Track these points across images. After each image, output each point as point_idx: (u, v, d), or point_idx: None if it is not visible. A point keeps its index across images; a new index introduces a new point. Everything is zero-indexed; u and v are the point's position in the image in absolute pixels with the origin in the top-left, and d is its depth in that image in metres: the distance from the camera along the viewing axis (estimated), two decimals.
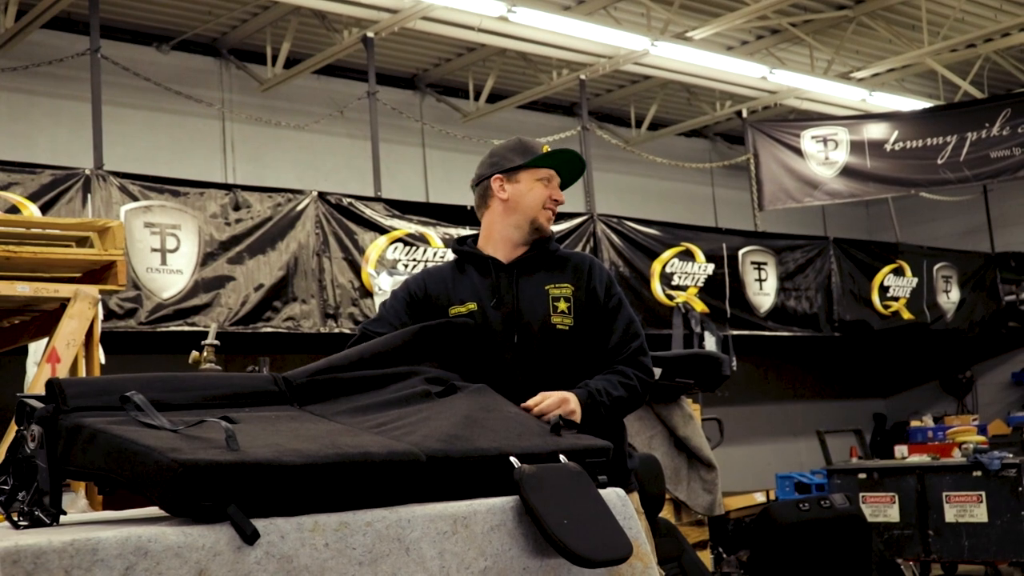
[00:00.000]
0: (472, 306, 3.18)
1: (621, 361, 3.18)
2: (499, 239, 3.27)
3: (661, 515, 5.39)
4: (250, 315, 8.26)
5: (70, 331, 4.90)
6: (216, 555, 1.90)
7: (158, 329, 7.78)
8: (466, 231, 8.42)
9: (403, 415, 2.56)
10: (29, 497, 2.14)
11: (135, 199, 7.90)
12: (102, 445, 2.07)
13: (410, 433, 2.42)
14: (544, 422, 2.73)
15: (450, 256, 3.46)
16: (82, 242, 5.29)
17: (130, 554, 1.82)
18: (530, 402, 2.86)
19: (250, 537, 1.92)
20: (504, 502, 2.32)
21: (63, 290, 4.93)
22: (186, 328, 7.87)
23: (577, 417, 2.91)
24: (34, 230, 5.09)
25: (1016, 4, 11.82)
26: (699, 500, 6.67)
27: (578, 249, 9.74)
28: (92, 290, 5.01)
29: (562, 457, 2.48)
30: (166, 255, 7.96)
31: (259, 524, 1.94)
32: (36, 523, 2.10)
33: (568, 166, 3.34)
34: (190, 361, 5.01)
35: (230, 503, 1.94)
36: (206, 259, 8.14)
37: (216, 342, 5.10)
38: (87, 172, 7.72)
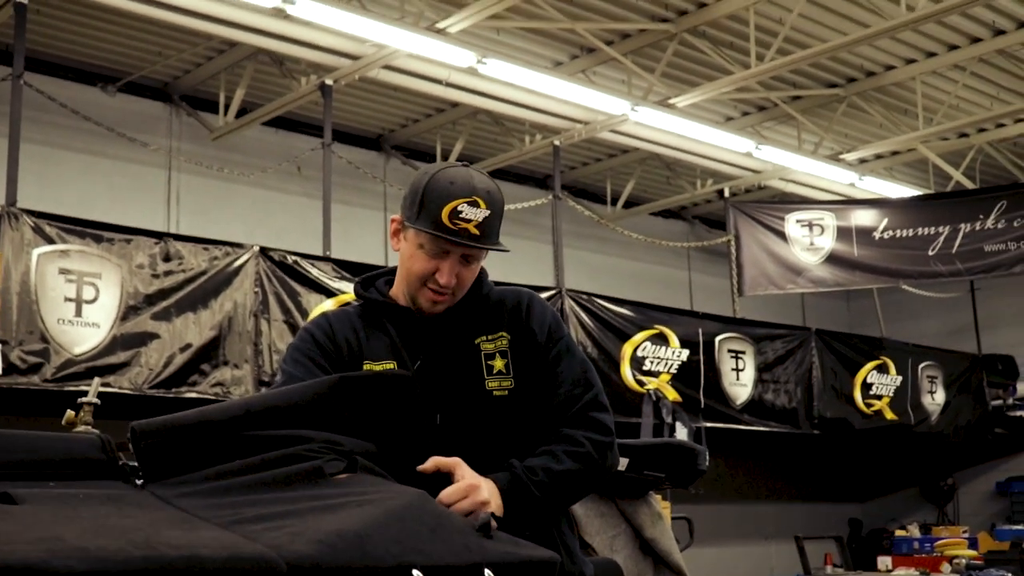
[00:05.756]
0: (391, 366, 2.42)
1: (569, 421, 2.41)
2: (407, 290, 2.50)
3: None
4: (173, 378, 7.44)
5: None
6: None
7: (65, 388, 6.92)
8: None
9: (278, 502, 1.86)
10: None
11: (51, 242, 7.10)
12: None
13: (276, 528, 1.71)
14: (468, 517, 2.01)
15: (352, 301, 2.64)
16: None
17: None
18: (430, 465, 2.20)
19: None
20: None
21: None
22: (99, 389, 7.01)
23: (493, 509, 2.16)
24: None
25: (1012, 92, 11.46)
26: None
27: None
28: None
29: (488, 573, 1.79)
30: (82, 306, 7.13)
31: None
32: None
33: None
34: (63, 422, 4.16)
35: None
36: (128, 313, 7.33)
37: (96, 400, 4.23)
38: None
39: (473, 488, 2.16)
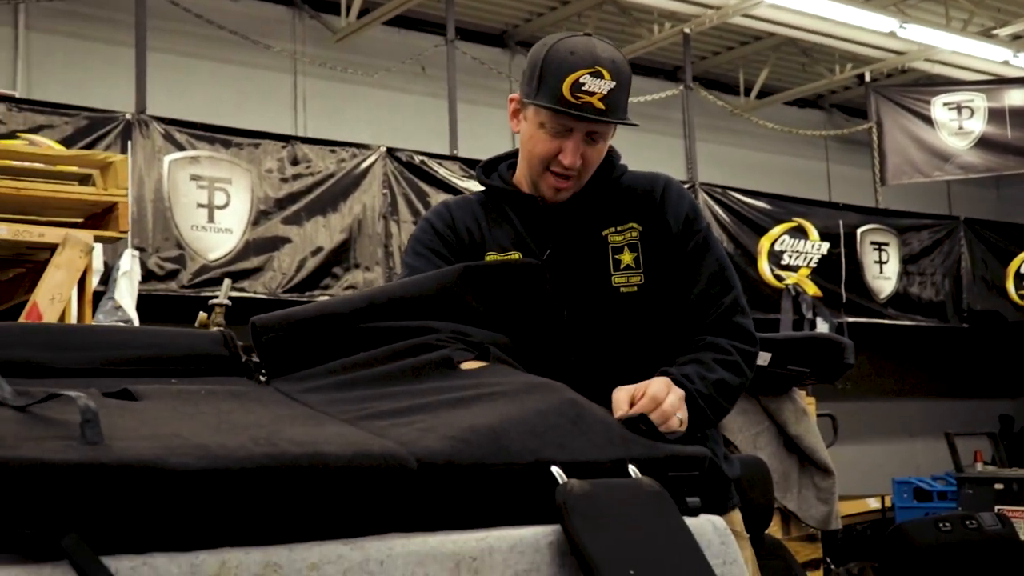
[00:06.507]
0: (515, 257, 2.27)
1: (709, 326, 2.23)
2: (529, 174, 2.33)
3: (767, 531, 4.43)
4: (306, 282, 7.52)
5: (56, 283, 4.10)
6: None
7: (202, 294, 7.02)
8: None
9: (407, 395, 1.75)
10: None
11: (181, 148, 7.16)
12: None
13: (406, 424, 1.62)
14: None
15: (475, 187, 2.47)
16: (85, 180, 4.52)
17: None
18: (622, 393, 1.92)
19: None
20: (536, 536, 1.52)
21: (50, 234, 4.14)
22: (233, 293, 7.08)
23: (684, 417, 1.96)
24: (22, 163, 4.30)
25: None
26: (812, 511, 5.63)
27: None
28: (85, 236, 4.20)
29: (633, 469, 1.64)
30: (214, 212, 7.23)
31: (125, 564, 1.20)
32: None
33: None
34: (196, 324, 4.17)
35: (70, 530, 1.19)
36: (259, 218, 7.41)
37: (227, 302, 4.26)
38: (128, 117, 6.98)
39: (669, 387, 1.95)
